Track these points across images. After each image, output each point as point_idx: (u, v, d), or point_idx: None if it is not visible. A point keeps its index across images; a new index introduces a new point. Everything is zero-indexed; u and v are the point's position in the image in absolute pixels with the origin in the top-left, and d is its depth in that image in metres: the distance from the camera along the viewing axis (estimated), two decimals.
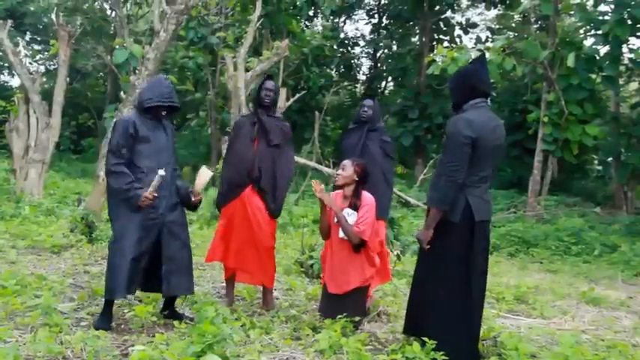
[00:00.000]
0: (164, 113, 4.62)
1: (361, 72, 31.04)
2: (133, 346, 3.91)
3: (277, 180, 5.25)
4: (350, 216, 4.67)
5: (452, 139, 3.90)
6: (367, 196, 4.79)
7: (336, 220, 4.71)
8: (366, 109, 5.62)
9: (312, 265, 7.00)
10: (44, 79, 23.64)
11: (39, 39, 28.62)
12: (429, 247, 4.01)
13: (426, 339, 3.90)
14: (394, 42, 28.16)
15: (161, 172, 4.31)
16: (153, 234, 4.44)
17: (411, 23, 27.03)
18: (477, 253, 3.98)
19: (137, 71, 9.77)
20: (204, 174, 4.74)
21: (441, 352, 3.86)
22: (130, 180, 4.33)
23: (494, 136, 3.98)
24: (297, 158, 16.50)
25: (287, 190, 5.46)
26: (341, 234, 4.69)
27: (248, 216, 5.16)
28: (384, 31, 28.25)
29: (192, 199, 4.65)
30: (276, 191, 5.25)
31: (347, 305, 4.66)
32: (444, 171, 3.90)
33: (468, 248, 3.95)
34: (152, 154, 4.48)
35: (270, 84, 5.37)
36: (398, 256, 7.22)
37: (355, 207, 4.70)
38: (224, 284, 6.22)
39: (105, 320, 4.38)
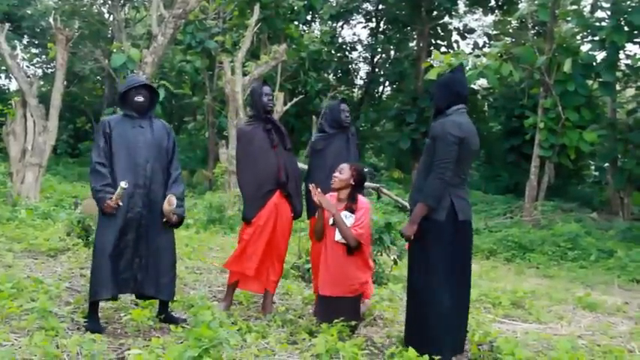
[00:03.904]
0: (141, 99, 4.60)
1: (358, 76, 31.09)
2: (129, 349, 3.91)
3: (297, 182, 5.39)
4: (347, 218, 4.69)
5: (441, 139, 4.04)
6: (363, 200, 4.84)
7: (331, 222, 4.72)
8: (347, 113, 5.59)
9: (308, 270, 6.99)
10: (41, 83, 23.64)
11: (36, 42, 28.58)
12: (415, 247, 4.15)
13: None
14: (392, 47, 28.19)
15: (123, 184, 4.30)
16: (132, 233, 4.46)
17: (409, 28, 27.05)
18: (460, 251, 4.16)
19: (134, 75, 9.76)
20: (167, 204, 4.55)
21: (438, 358, 3.88)
22: (104, 182, 4.38)
23: (475, 140, 4.20)
24: None
25: None
26: (337, 237, 4.71)
27: (276, 222, 5.21)
28: (382, 36, 28.27)
29: (164, 219, 4.59)
30: (299, 193, 5.38)
31: (342, 309, 4.66)
32: (433, 169, 4.02)
33: (450, 246, 4.11)
34: (127, 153, 4.50)
35: (269, 89, 5.41)
36: (395, 261, 7.22)
37: (352, 210, 4.73)
38: (220, 288, 6.22)
39: (93, 322, 4.40)
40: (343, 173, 4.79)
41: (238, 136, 5.47)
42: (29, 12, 26.47)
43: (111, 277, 4.35)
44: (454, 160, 4.02)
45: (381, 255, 7.17)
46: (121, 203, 4.36)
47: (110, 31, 27.68)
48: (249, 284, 5.37)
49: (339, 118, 5.53)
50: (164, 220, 4.57)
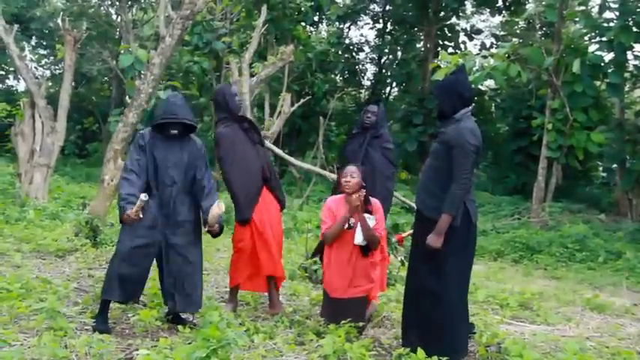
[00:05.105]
0: (175, 132, 4.63)
1: (365, 77, 31.02)
2: (137, 350, 3.92)
3: (276, 175, 5.50)
4: (369, 220, 4.68)
5: (460, 149, 4.01)
6: (376, 200, 4.85)
7: (347, 226, 4.69)
8: (369, 115, 5.63)
9: (316, 271, 6.99)
10: (50, 84, 23.70)
11: (45, 43, 28.69)
12: (428, 252, 4.11)
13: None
14: (399, 48, 28.13)
15: (143, 196, 4.34)
16: (153, 250, 4.51)
17: (416, 29, 26.98)
18: (471, 253, 4.24)
19: (142, 76, 9.78)
20: (218, 208, 4.55)
21: (445, 358, 3.88)
22: (130, 192, 4.40)
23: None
24: (301, 164, 16.54)
25: None
26: (358, 240, 4.67)
27: (269, 218, 5.27)
28: (389, 37, 28.21)
29: (207, 228, 4.62)
30: (280, 185, 5.49)
31: (350, 310, 4.66)
32: (455, 180, 3.99)
33: (464, 249, 4.16)
34: (154, 172, 4.56)
35: (235, 89, 5.58)
36: (402, 262, 7.21)
37: (369, 212, 4.72)
38: (227, 289, 6.23)
39: (101, 321, 4.43)
40: (356, 176, 4.72)
41: (218, 139, 5.37)
42: (37, 13, 26.55)
43: (119, 282, 4.40)
44: (472, 169, 4.07)
45: (388, 256, 7.15)
46: (141, 215, 4.38)
47: (118, 32, 27.73)
48: (253, 285, 5.39)
49: (362, 118, 5.64)
50: (206, 229, 4.60)
